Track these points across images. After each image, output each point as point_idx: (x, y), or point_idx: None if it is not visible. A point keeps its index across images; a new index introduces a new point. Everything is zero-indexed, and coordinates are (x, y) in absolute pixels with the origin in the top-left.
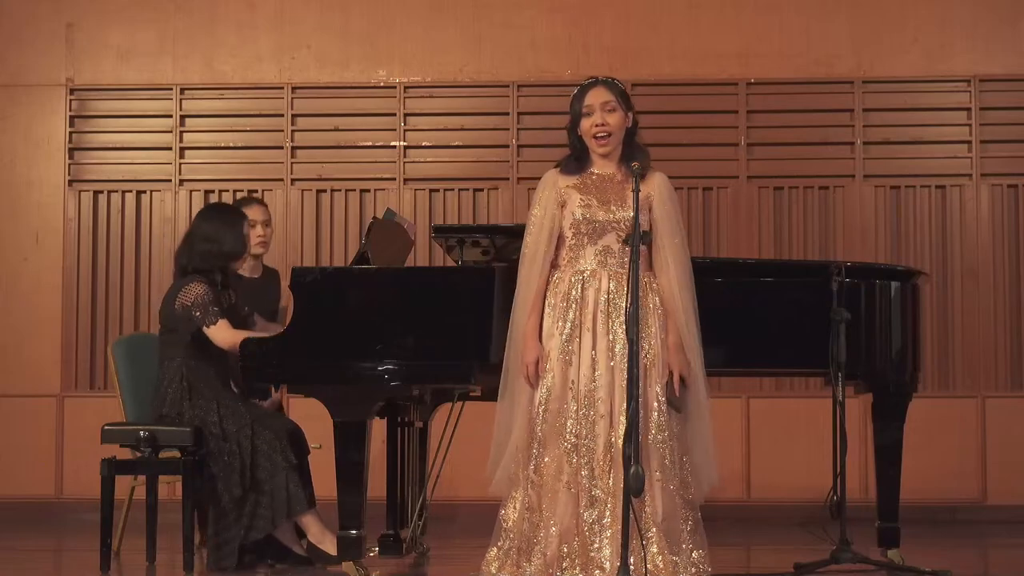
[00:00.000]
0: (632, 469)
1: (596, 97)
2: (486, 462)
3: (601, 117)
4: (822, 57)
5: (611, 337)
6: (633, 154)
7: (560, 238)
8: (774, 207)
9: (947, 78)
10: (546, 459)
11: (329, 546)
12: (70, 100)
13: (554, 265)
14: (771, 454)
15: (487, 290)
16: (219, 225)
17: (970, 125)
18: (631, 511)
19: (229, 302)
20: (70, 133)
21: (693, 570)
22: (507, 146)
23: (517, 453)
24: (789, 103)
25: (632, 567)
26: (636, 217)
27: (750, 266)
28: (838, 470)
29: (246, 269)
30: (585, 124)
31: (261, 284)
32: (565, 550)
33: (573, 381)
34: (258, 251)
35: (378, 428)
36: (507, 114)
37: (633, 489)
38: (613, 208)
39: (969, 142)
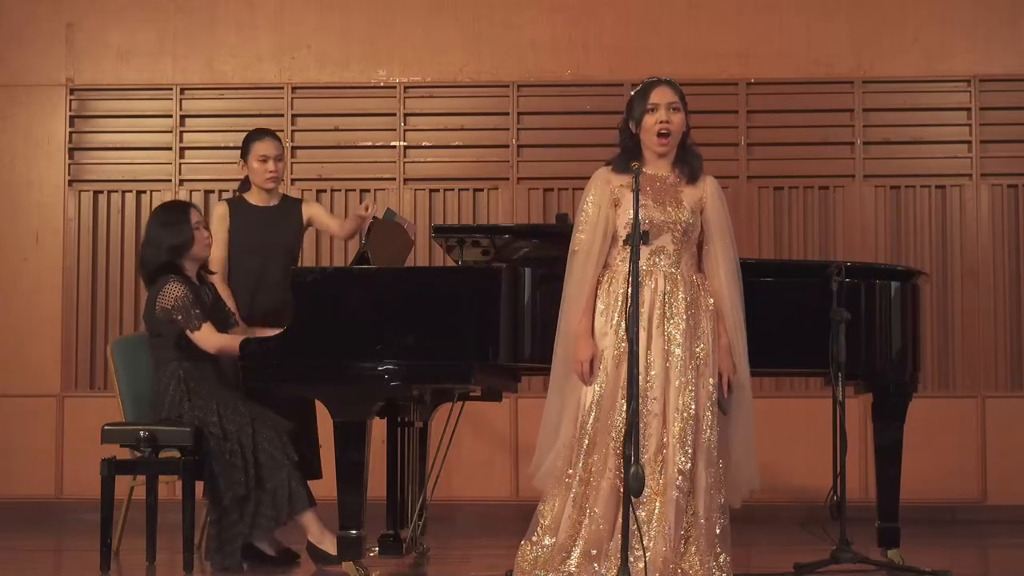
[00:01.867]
0: (632, 469)
1: (662, 96)
2: (486, 462)
3: (666, 115)
4: (822, 57)
5: (666, 337)
6: (686, 156)
7: (613, 237)
8: (774, 207)
9: (947, 78)
10: (594, 456)
11: (329, 546)
12: (70, 100)
13: (606, 264)
14: (771, 454)
15: (487, 290)
16: (157, 227)
17: (970, 125)
18: (631, 510)
19: (210, 298)
20: (70, 133)
21: (718, 573)
22: (507, 146)
23: (564, 450)
24: (789, 103)
25: (671, 565)
26: (636, 217)
27: (750, 266)
28: (838, 470)
29: (260, 200)
30: (649, 120)
31: (275, 213)
32: (609, 547)
33: (625, 381)
34: (268, 186)
35: (378, 428)
36: (507, 114)
37: (633, 489)
38: (669, 209)
39: (969, 142)
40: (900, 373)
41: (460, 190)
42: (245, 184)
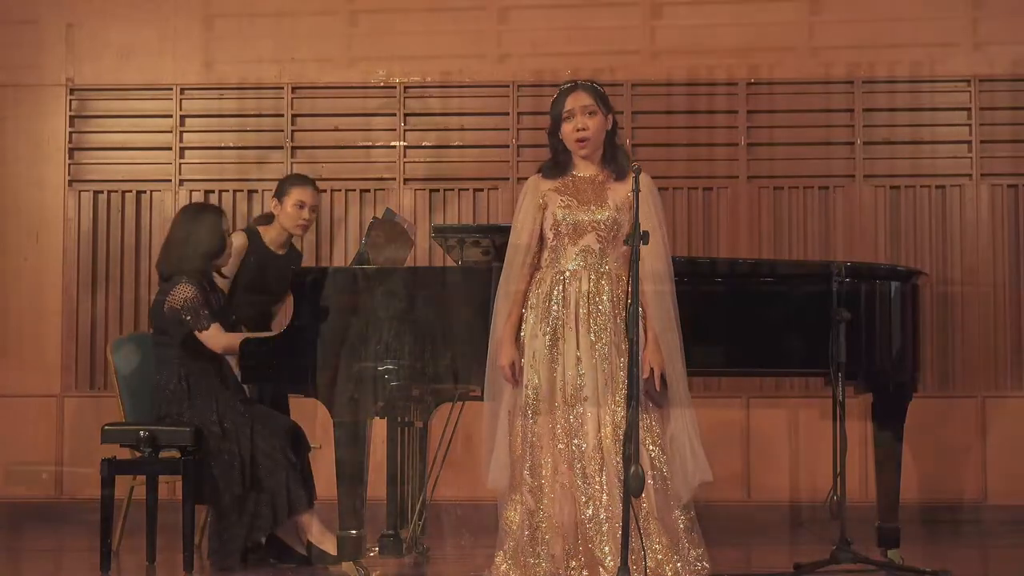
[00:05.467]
0: (632, 469)
1: (576, 101)
2: (486, 462)
3: (581, 121)
4: (822, 57)
5: (592, 336)
6: (615, 155)
7: (542, 239)
8: (774, 207)
9: (947, 78)
10: (542, 461)
11: (329, 546)
12: (70, 100)
13: (537, 267)
14: (771, 454)
15: (487, 290)
16: (194, 226)
17: (970, 125)
18: (631, 510)
19: (219, 303)
20: (70, 133)
21: (688, 568)
22: (507, 146)
23: (513, 453)
24: (789, 103)
25: (633, 567)
26: (636, 217)
27: (750, 266)
28: (838, 470)
29: (275, 242)
30: (566, 128)
31: (282, 263)
32: (570, 550)
33: (561, 382)
34: (298, 232)
35: (378, 428)
36: (507, 114)
37: (633, 489)
38: (593, 208)
39: (969, 142)
40: (900, 373)
41: (460, 190)
42: (266, 218)
